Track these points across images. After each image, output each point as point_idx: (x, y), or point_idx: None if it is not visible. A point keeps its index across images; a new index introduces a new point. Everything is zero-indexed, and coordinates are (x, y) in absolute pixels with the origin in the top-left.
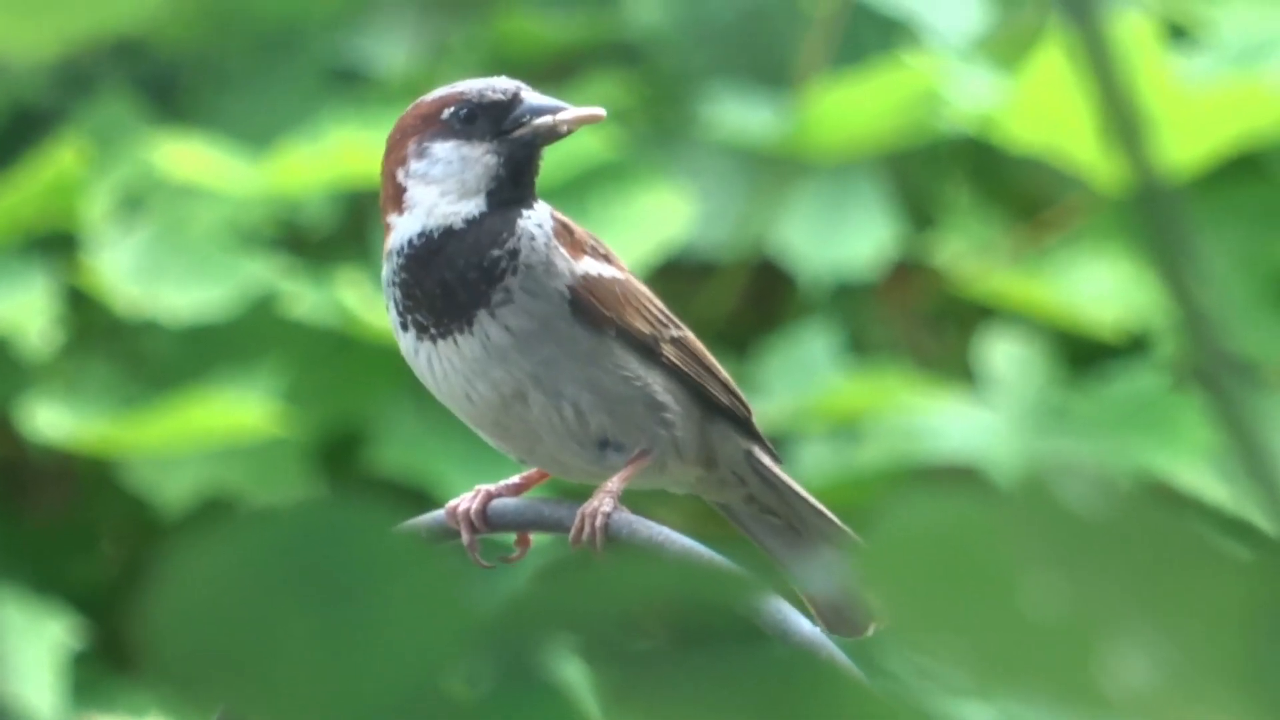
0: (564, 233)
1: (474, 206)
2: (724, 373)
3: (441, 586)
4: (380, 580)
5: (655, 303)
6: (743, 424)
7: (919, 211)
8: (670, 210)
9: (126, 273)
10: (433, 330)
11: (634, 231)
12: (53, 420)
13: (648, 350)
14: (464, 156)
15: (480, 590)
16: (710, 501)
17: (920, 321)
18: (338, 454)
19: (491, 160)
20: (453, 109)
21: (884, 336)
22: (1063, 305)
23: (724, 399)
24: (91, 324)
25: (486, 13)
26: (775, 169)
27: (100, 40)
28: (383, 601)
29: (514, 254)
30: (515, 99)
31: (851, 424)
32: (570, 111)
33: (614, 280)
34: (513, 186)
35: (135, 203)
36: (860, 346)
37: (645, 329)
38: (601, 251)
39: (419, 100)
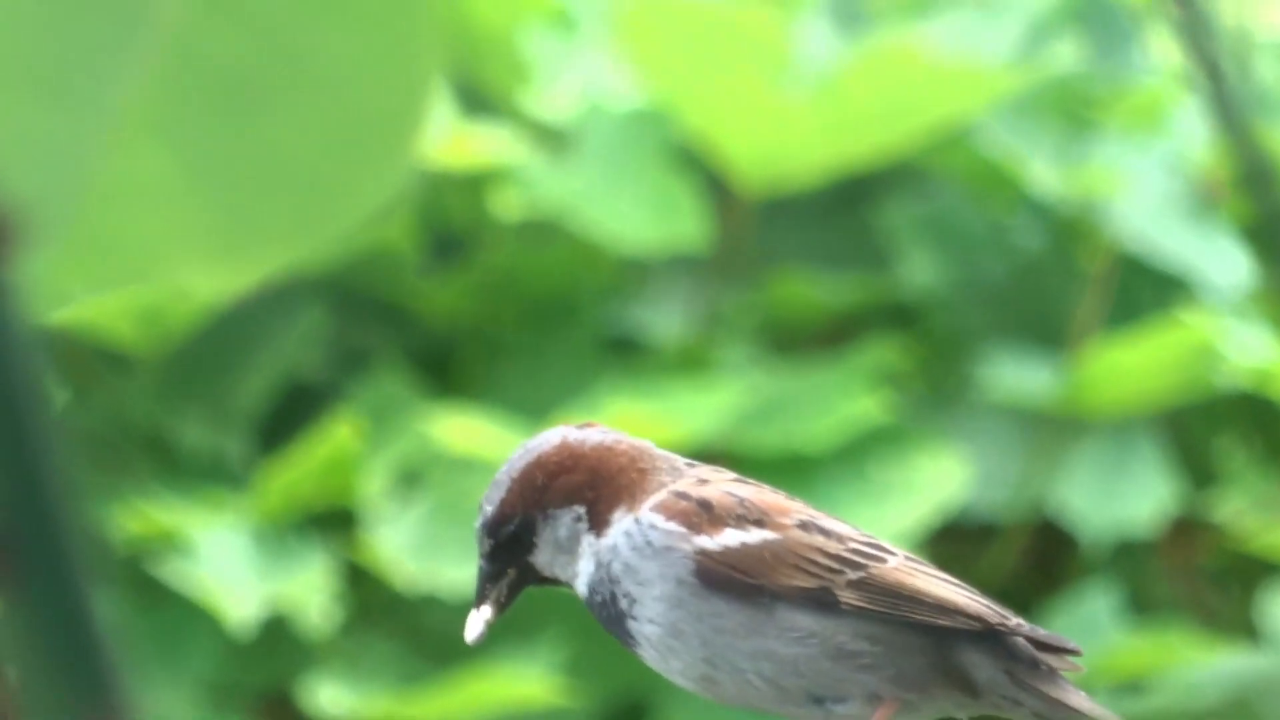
0: (691, 513)
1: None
2: (943, 592)
3: None
4: None
5: (829, 548)
6: (1000, 640)
7: (1198, 467)
8: (948, 472)
9: (405, 548)
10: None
11: (912, 495)
12: (335, 698)
13: (819, 603)
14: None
15: None
16: None
17: (1203, 578)
18: None
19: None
20: None
21: (1166, 594)
22: None
23: (944, 621)
24: (371, 600)
25: (759, 278)
26: (1053, 428)
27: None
28: None
29: (607, 568)
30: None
31: (1136, 681)
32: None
33: (762, 544)
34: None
35: (412, 477)
36: (1142, 604)
37: (809, 583)
38: (753, 517)
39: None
